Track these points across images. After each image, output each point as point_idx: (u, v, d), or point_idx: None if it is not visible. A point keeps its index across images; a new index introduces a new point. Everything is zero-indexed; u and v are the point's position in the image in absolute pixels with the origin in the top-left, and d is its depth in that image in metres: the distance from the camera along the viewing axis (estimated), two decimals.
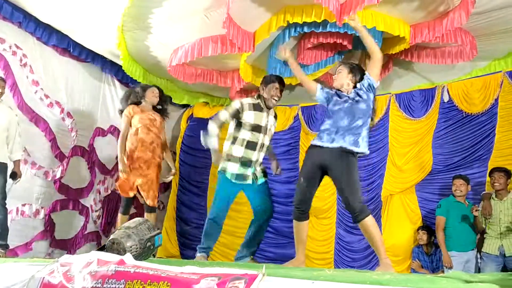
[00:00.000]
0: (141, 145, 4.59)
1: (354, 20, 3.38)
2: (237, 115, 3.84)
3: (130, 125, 4.63)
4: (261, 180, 3.97)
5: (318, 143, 3.38)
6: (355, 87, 3.43)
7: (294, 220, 3.51)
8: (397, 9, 4.26)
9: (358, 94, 3.39)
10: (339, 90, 3.50)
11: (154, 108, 4.86)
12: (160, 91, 4.92)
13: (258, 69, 5.72)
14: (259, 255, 6.40)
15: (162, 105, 4.96)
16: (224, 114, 3.85)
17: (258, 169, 3.96)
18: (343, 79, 3.46)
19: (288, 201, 6.43)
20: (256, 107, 3.88)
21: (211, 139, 3.75)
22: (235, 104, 3.87)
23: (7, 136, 4.27)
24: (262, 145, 3.91)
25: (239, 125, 3.87)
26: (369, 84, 3.38)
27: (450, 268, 4.71)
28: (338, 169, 3.29)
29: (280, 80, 3.97)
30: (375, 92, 3.46)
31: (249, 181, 3.88)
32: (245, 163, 3.83)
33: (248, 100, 3.93)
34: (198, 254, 3.87)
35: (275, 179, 6.55)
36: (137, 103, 4.76)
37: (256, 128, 3.85)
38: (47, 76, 5.08)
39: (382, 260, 3.16)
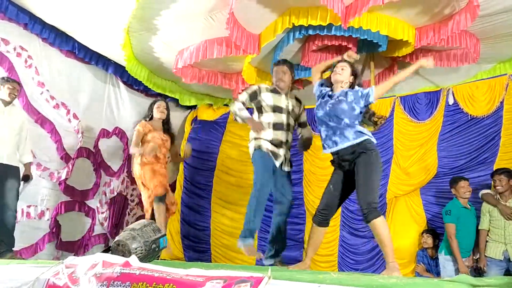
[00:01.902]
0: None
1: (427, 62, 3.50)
2: (255, 97, 3.95)
3: (142, 141, 4.71)
4: (287, 168, 4.02)
5: (328, 151, 3.44)
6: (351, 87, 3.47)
7: (313, 224, 3.48)
8: (402, 12, 4.25)
9: (345, 94, 3.39)
10: (331, 87, 3.54)
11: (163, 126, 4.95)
12: (167, 104, 5.01)
13: (262, 71, 5.72)
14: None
15: (168, 126, 5.02)
16: (243, 95, 3.96)
17: (288, 155, 4.00)
18: (345, 77, 3.48)
19: (293, 203, 6.43)
20: (272, 90, 4.00)
21: (241, 112, 3.86)
22: (253, 87, 4.03)
23: (19, 139, 4.30)
24: (288, 125, 3.96)
25: (260, 110, 3.96)
26: (367, 93, 3.35)
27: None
28: (356, 170, 3.29)
29: (279, 63, 4.10)
30: (367, 105, 3.42)
31: (280, 162, 3.92)
32: (276, 144, 3.89)
33: (264, 85, 4.10)
34: (243, 243, 3.76)
35: None
36: (150, 118, 4.90)
37: (278, 109, 3.93)
38: (53, 77, 5.10)
39: (389, 263, 3.13)
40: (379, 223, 3.16)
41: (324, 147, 3.47)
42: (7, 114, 4.20)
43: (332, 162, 3.52)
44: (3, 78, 4.26)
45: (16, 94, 4.28)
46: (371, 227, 3.20)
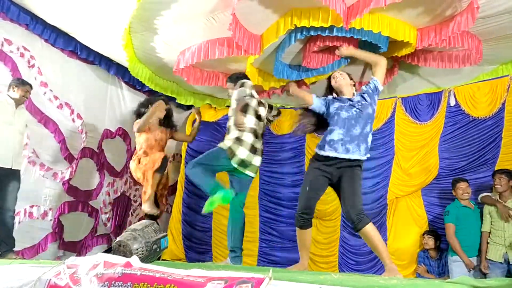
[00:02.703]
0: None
1: (346, 50, 3.43)
2: None
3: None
4: None
5: (333, 154, 3.37)
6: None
7: (297, 228, 3.51)
8: (404, 12, 4.25)
9: (363, 98, 3.42)
10: (338, 95, 3.55)
11: (161, 122, 4.96)
12: (166, 103, 5.03)
13: (264, 72, 5.72)
14: (265, 259, 6.41)
15: (169, 121, 5.05)
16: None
17: None
18: (347, 80, 3.51)
19: (293, 204, 6.43)
20: None
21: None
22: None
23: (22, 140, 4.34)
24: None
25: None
26: (375, 86, 3.41)
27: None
28: (345, 180, 3.31)
29: None
30: (378, 95, 3.49)
31: None
32: None
33: None
34: None
35: (280, 183, 6.57)
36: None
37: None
38: (56, 77, 5.11)
39: (387, 265, 3.15)
40: (369, 230, 3.20)
41: (329, 147, 3.42)
42: (17, 116, 4.23)
43: (319, 160, 3.50)
44: (18, 79, 4.29)
45: (27, 97, 4.32)
46: (363, 234, 3.23)
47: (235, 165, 3.96)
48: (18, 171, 4.28)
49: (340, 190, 3.37)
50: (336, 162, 3.38)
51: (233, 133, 4.02)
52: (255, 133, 4.05)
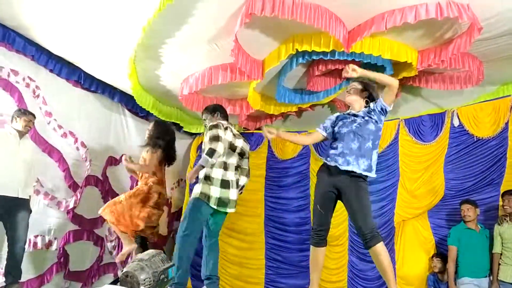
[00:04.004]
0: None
1: (355, 72, 3.39)
2: None
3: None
4: None
5: (333, 163, 3.38)
6: (367, 105, 3.49)
7: (311, 246, 3.48)
8: (405, 35, 4.30)
9: (367, 114, 3.43)
10: (347, 111, 3.56)
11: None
12: (153, 124, 5.13)
13: (267, 97, 5.76)
14: (271, 286, 6.33)
15: (166, 145, 5.03)
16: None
17: None
18: (356, 96, 3.52)
19: (299, 230, 6.40)
20: None
21: None
22: None
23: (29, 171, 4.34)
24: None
25: None
26: (381, 108, 3.41)
27: None
28: (350, 194, 3.29)
29: None
30: (386, 117, 3.50)
31: None
32: None
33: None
34: None
35: (285, 208, 6.54)
36: None
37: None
38: (60, 107, 5.13)
39: None
40: (380, 249, 3.17)
41: (330, 159, 3.43)
42: (22, 146, 4.24)
43: (322, 171, 3.51)
44: (19, 110, 4.31)
45: (31, 126, 4.33)
46: (373, 253, 3.19)
47: (215, 207, 3.93)
48: (27, 200, 4.26)
49: (348, 206, 3.34)
50: (335, 174, 3.37)
51: (201, 173, 3.98)
52: (224, 166, 4.01)
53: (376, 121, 3.42)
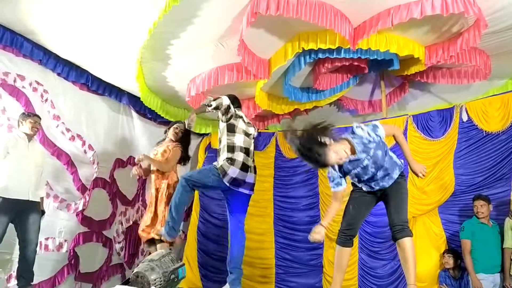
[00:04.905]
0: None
1: None
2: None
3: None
4: None
5: (368, 189, 3.32)
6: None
7: (337, 245, 3.42)
8: (411, 31, 4.28)
9: (366, 147, 3.03)
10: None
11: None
12: (184, 127, 5.02)
13: (274, 96, 5.76)
14: (282, 286, 6.32)
15: (186, 145, 5.01)
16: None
17: None
18: (340, 158, 2.89)
19: (309, 228, 6.27)
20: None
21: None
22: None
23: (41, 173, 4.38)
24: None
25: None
26: (373, 127, 3.04)
27: None
28: (391, 193, 3.26)
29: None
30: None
31: None
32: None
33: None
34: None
35: (294, 207, 6.52)
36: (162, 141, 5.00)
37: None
38: (68, 110, 5.17)
39: (410, 285, 3.10)
40: (409, 242, 3.14)
41: (369, 187, 3.28)
42: (31, 149, 4.27)
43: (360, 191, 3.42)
44: (23, 113, 4.34)
45: (38, 128, 4.36)
46: (399, 246, 3.15)
47: (227, 184, 3.92)
48: (38, 203, 4.29)
49: (387, 202, 3.31)
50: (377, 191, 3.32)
51: (223, 155, 3.97)
52: (246, 152, 4.02)
53: (377, 144, 3.03)
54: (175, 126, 4.92)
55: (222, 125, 3.99)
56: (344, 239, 3.37)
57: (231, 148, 3.92)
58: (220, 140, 4.02)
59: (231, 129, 3.96)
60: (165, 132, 5.03)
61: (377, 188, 3.28)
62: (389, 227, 3.29)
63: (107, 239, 5.62)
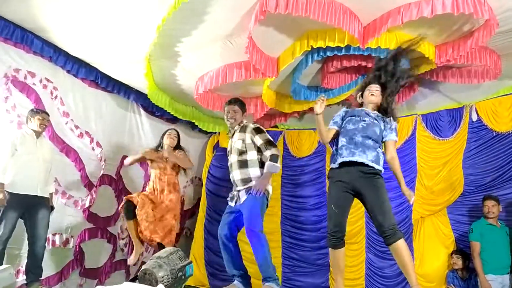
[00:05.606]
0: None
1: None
2: None
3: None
4: (243, 199, 3.93)
5: (339, 160, 3.34)
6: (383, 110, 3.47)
7: (329, 248, 3.41)
8: (421, 30, 4.23)
9: (381, 120, 3.41)
10: (361, 108, 3.54)
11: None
12: (177, 132, 5.09)
13: (281, 94, 5.75)
14: (288, 285, 6.31)
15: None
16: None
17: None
18: (379, 99, 3.50)
19: (316, 227, 6.36)
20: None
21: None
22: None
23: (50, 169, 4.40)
24: (231, 165, 3.94)
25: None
26: (392, 128, 3.43)
27: None
28: (368, 192, 3.24)
29: (227, 102, 4.05)
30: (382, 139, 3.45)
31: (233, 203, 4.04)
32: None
33: None
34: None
35: (301, 207, 6.51)
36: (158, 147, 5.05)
37: (228, 152, 4.01)
38: (77, 107, 5.20)
39: (414, 286, 3.08)
40: (401, 245, 3.11)
41: (339, 156, 3.36)
42: (39, 145, 4.29)
43: (332, 173, 3.44)
44: (32, 110, 4.36)
45: (46, 124, 4.38)
46: (393, 249, 3.14)
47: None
48: (47, 198, 4.32)
49: (366, 203, 3.29)
50: (346, 172, 3.31)
51: (255, 170, 3.86)
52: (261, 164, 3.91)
53: (381, 129, 3.39)
54: (168, 133, 5.00)
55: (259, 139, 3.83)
56: (335, 241, 3.36)
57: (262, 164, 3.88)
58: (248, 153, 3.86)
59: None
60: (160, 143, 5.05)
61: (346, 155, 3.30)
62: (377, 231, 3.29)
63: (111, 235, 5.66)
